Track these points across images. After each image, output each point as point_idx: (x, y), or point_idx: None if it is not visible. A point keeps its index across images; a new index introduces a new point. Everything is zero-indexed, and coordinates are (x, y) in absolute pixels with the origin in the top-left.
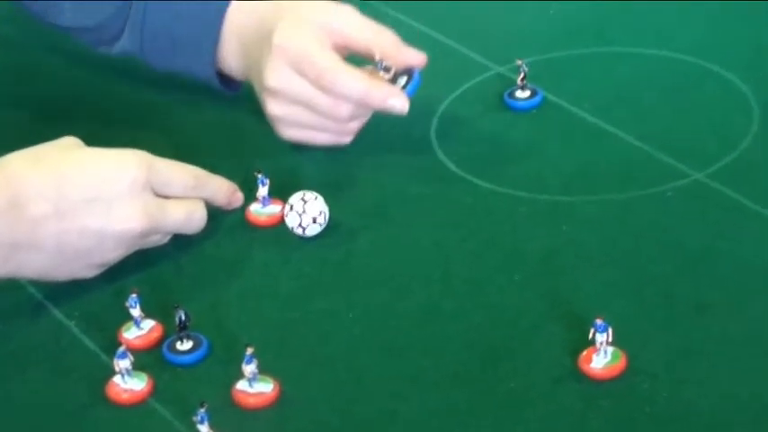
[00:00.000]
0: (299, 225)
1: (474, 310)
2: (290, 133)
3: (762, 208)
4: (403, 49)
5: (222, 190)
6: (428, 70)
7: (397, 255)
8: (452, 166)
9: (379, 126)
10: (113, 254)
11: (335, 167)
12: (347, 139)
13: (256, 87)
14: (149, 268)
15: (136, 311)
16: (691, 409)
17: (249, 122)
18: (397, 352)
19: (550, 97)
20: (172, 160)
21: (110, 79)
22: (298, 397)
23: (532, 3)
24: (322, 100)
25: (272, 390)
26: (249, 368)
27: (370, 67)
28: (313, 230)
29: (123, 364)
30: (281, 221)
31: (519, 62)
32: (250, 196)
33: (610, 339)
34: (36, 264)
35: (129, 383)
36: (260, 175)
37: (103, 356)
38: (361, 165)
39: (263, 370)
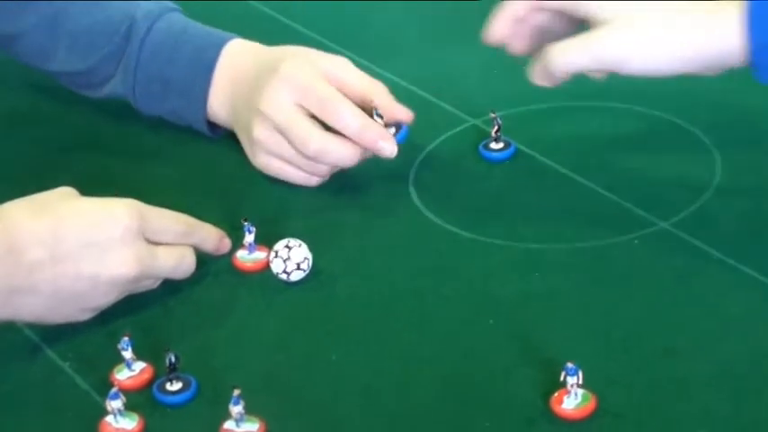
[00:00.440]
0: (284, 271)
1: (450, 353)
2: (264, 160)
3: (724, 255)
4: (394, 103)
5: (211, 237)
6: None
7: (377, 300)
8: (430, 215)
9: (359, 177)
10: (106, 298)
11: (319, 217)
12: (314, 181)
13: (240, 132)
14: (141, 312)
15: (128, 353)
16: None
17: (237, 173)
18: (376, 393)
19: (523, 149)
20: (163, 209)
21: (100, 126)
22: None
23: (507, 61)
24: (300, 131)
25: (258, 429)
26: (236, 409)
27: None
28: (297, 276)
29: (115, 404)
30: (267, 267)
31: (493, 115)
32: (237, 243)
33: (580, 382)
34: (32, 307)
35: (120, 423)
36: (246, 223)
37: (96, 396)
38: (343, 214)
39: (250, 410)
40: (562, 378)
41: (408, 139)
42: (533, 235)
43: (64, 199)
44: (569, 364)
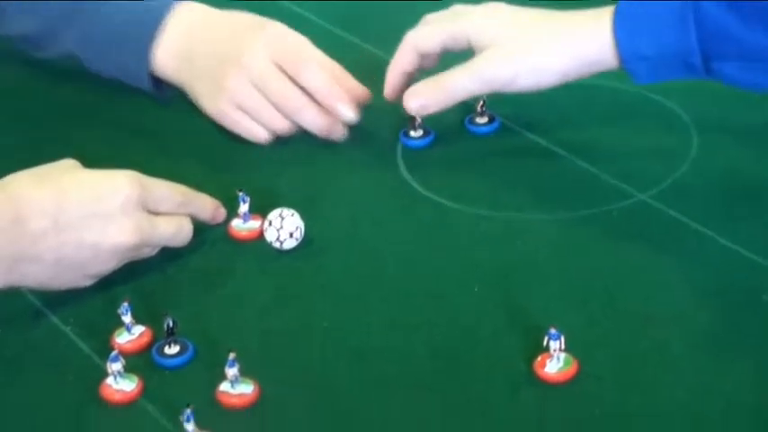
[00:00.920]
0: (277, 239)
1: (437, 319)
2: (226, 109)
3: (700, 226)
4: (351, 80)
5: (207, 207)
6: (396, 99)
7: (366, 267)
8: (417, 187)
9: (350, 150)
10: (107, 265)
11: (311, 187)
12: (264, 137)
13: (196, 81)
14: (140, 278)
15: (127, 318)
16: (635, 411)
17: (232, 146)
18: (366, 358)
19: (507, 123)
20: (161, 180)
21: (96, 100)
22: (276, 398)
23: None
24: (281, 84)
25: (253, 391)
26: (231, 371)
27: None
28: (290, 244)
29: (115, 366)
30: (261, 236)
31: None
32: (232, 212)
33: (562, 347)
34: (36, 275)
35: (120, 385)
36: (241, 194)
37: (97, 359)
38: (334, 185)
39: (244, 373)
40: (545, 343)
41: (397, 114)
42: (516, 206)
43: (66, 170)
44: (552, 330)
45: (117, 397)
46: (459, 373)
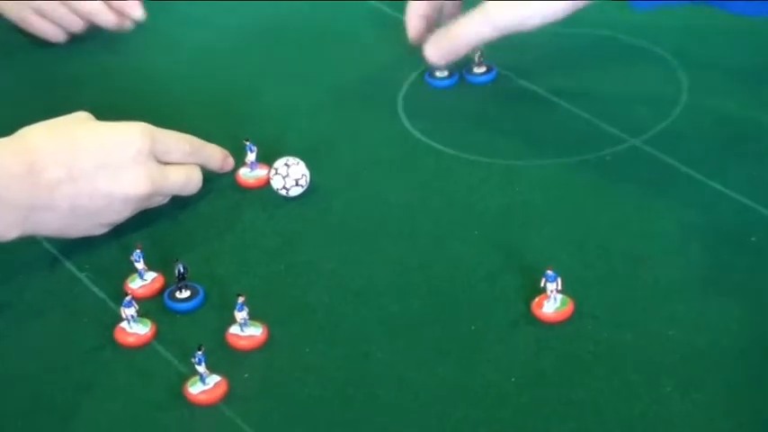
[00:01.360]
0: (284, 187)
1: (438, 261)
2: (25, 12)
3: (691, 170)
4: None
5: (216, 156)
6: (397, 51)
7: (370, 213)
8: (418, 135)
9: (354, 100)
10: (120, 214)
11: (316, 137)
12: (62, 37)
13: None
14: (152, 226)
15: (140, 264)
16: (628, 349)
17: (239, 97)
18: (370, 299)
19: (504, 72)
20: (172, 131)
21: (108, 57)
22: (284, 339)
23: None
24: None
25: (261, 333)
26: (241, 314)
27: None
28: (295, 191)
29: (129, 311)
30: (267, 183)
31: None
32: (240, 161)
33: (559, 287)
34: (52, 223)
35: (134, 328)
36: (248, 143)
37: (111, 304)
38: (337, 134)
39: (253, 316)
40: (542, 284)
41: (397, 67)
42: (513, 152)
43: (80, 122)
44: (549, 271)
45: (131, 340)
46: (459, 312)
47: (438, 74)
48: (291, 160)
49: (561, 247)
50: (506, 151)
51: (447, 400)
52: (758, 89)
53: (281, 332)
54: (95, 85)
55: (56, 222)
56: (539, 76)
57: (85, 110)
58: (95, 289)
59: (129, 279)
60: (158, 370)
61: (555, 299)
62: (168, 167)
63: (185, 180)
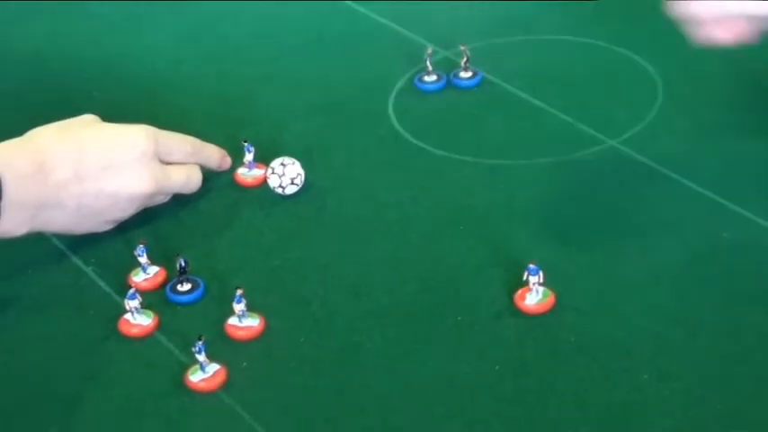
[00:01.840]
0: (280, 185)
1: (426, 255)
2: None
3: (666, 169)
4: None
5: (215, 156)
6: (387, 55)
7: (362, 210)
8: (408, 136)
9: (346, 104)
10: (125, 212)
11: (310, 138)
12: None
13: None
14: (154, 222)
15: (143, 259)
16: (606, 339)
17: (238, 100)
18: (362, 293)
19: (489, 77)
20: (173, 132)
21: (110, 61)
22: (280, 330)
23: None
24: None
25: (259, 324)
26: (239, 306)
27: None
28: (291, 190)
29: (133, 303)
30: (264, 182)
31: (462, 47)
32: (238, 161)
33: (541, 280)
34: (59, 221)
35: (138, 320)
36: (246, 144)
37: (116, 297)
38: (331, 136)
39: (251, 308)
40: (525, 277)
41: (388, 70)
42: (498, 152)
43: (87, 125)
44: (531, 265)
45: (134, 331)
46: (446, 304)
47: (426, 78)
48: (287, 160)
49: (543, 242)
50: (491, 151)
51: (435, 387)
52: (728, 93)
53: (278, 323)
54: (101, 90)
55: (63, 220)
56: (522, 80)
57: (92, 112)
58: (101, 282)
59: (133, 273)
60: (161, 359)
61: (537, 291)
62: (170, 167)
63: (186, 179)
